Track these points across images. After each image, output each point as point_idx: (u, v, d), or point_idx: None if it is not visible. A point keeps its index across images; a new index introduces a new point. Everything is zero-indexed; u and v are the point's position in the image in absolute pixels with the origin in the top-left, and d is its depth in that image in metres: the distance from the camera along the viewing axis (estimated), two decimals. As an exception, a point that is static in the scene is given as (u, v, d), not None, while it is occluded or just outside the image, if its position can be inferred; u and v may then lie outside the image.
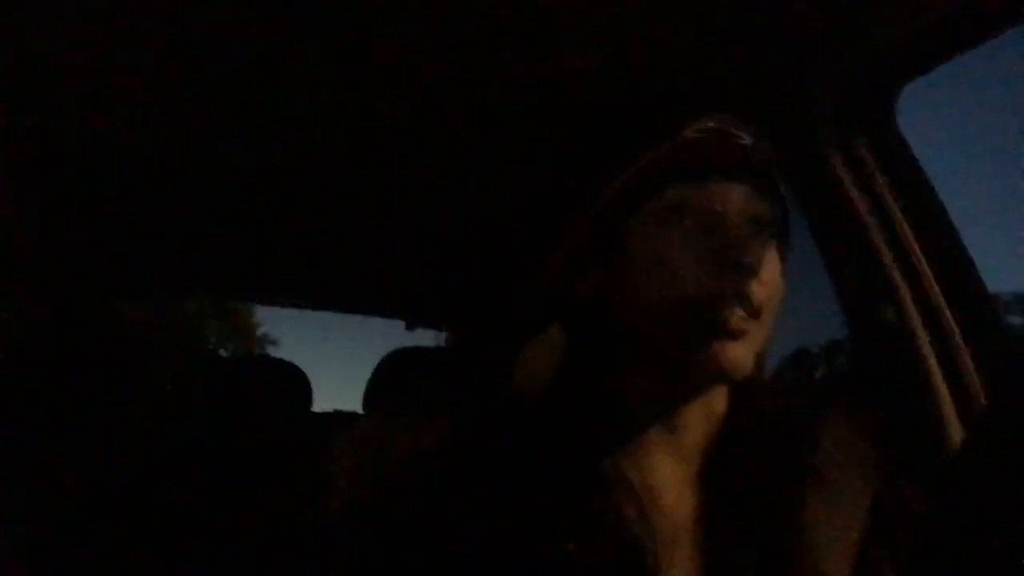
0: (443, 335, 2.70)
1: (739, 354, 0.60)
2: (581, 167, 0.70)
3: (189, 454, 1.75)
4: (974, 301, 0.94)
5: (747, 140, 0.66)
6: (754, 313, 0.60)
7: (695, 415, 0.66)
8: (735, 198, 0.63)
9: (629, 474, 0.63)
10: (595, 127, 0.75)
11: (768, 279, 0.62)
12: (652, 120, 0.67)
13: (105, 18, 1.02)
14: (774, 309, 0.63)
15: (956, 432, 0.89)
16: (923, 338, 0.94)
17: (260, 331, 17.94)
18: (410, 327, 2.62)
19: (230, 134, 1.38)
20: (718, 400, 0.67)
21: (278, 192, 1.64)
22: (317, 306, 2.70)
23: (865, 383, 1.01)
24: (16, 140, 1.35)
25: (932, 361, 0.93)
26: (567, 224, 0.69)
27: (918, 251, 0.96)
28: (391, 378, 2.02)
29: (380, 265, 2.16)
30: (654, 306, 0.61)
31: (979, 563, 0.54)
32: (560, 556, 0.57)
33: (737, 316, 0.59)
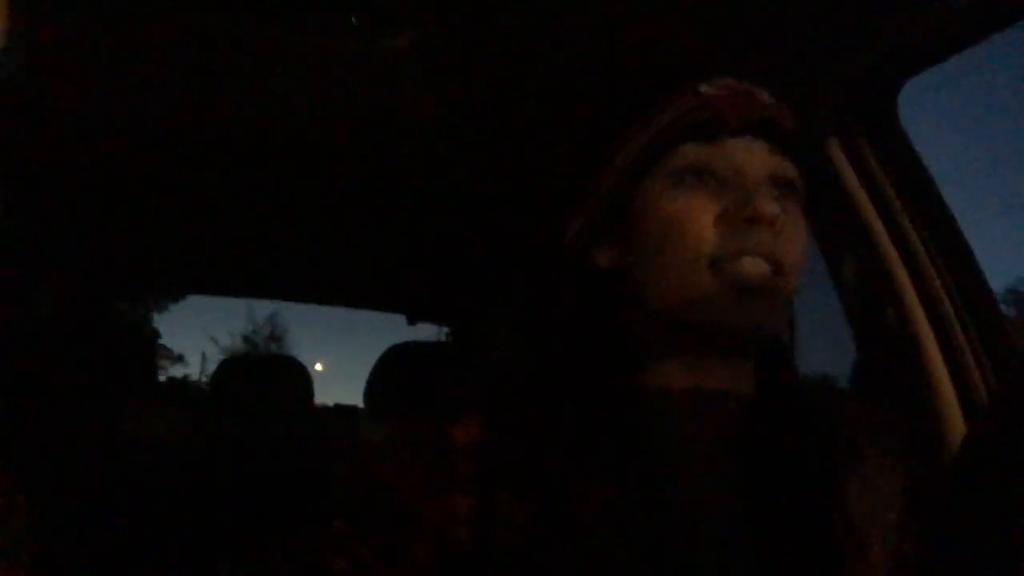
0: (444, 330, 2.71)
1: (765, 311, 0.59)
2: (591, 138, 0.68)
3: (191, 450, 1.76)
4: (976, 297, 0.94)
5: (768, 98, 0.63)
6: (777, 269, 0.58)
7: (723, 390, 0.63)
8: (754, 156, 0.61)
9: (655, 455, 0.59)
10: (602, 99, 0.72)
11: (792, 237, 0.60)
12: (663, 81, 0.65)
13: (109, 21, 1.02)
14: (799, 271, 0.61)
15: (960, 429, 0.89)
16: (926, 334, 0.95)
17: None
18: (411, 322, 2.62)
19: (232, 132, 1.38)
20: (745, 373, 0.64)
21: (280, 188, 1.64)
22: (318, 301, 2.70)
23: (868, 381, 1.02)
24: (18, 141, 1.35)
25: (936, 357, 0.93)
26: (581, 193, 0.67)
27: (920, 247, 0.96)
28: (392, 372, 2.03)
29: (382, 260, 2.16)
30: (674, 270, 0.59)
31: (987, 556, 0.54)
32: (594, 543, 0.55)
33: (759, 272, 0.58)
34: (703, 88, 0.63)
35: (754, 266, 0.58)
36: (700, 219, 0.59)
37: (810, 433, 0.63)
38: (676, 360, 0.63)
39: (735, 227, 0.58)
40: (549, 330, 0.68)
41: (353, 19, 1.03)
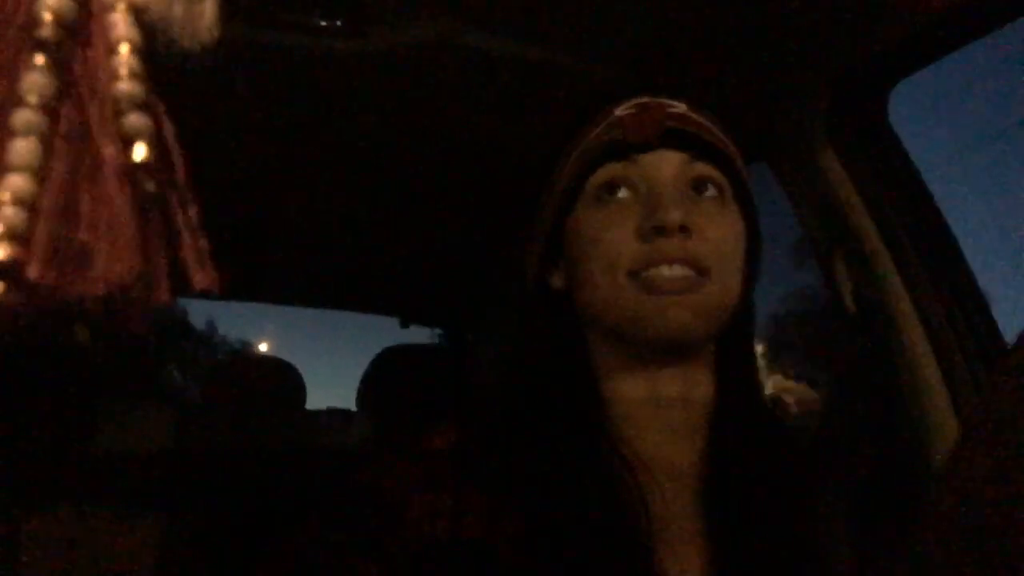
0: (437, 333, 2.70)
1: (682, 314, 0.60)
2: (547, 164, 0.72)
3: (184, 452, 1.75)
4: (967, 298, 0.94)
5: (681, 108, 0.66)
6: (698, 271, 0.61)
7: (681, 397, 0.66)
8: (667, 167, 0.64)
9: (624, 452, 0.63)
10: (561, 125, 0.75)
11: (712, 237, 0.62)
12: (590, 109, 0.69)
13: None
14: (728, 268, 0.63)
15: (951, 430, 0.89)
16: (917, 333, 0.95)
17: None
18: (404, 324, 2.62)
19: (229, 133, 1.37)
20: (701, 379, 0.67)
21: (273, 190, 1.64)
22: (311, 303, 2.69)
23: (860, 382, 1.02)
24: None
25: (927, 356, 0.94)
26: (537, 220, 0.71)
27: (911, 249, 0.97)
28: (385, 375, 2.02)
29: (375, 262, 2.15)
30: (598, 283, 0.63)
31: (974, 555, 0.54)
32: (563, 536, 0.58)
33: (675, 277, 0.60)
34: (618, 111, 0.67)
35: (671, 272, 0.60)
36: (616, 233, 0.62)
37: (767, 438, 0.66)
38: (631, 371, 0.66)
39: (649, 238, 0.61)
40: (519, 348, 0.73)
41: (339, 22, 1.03)
